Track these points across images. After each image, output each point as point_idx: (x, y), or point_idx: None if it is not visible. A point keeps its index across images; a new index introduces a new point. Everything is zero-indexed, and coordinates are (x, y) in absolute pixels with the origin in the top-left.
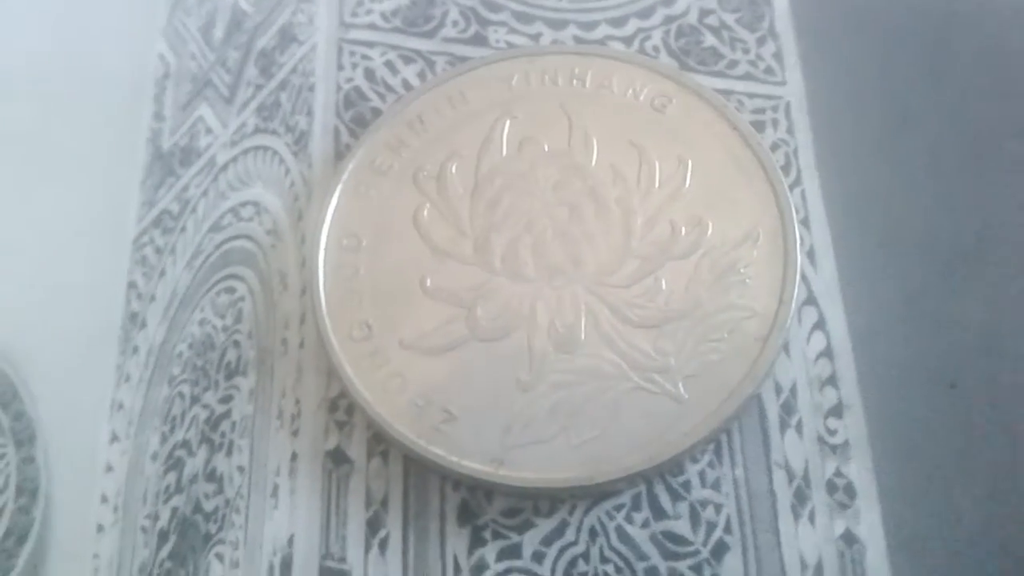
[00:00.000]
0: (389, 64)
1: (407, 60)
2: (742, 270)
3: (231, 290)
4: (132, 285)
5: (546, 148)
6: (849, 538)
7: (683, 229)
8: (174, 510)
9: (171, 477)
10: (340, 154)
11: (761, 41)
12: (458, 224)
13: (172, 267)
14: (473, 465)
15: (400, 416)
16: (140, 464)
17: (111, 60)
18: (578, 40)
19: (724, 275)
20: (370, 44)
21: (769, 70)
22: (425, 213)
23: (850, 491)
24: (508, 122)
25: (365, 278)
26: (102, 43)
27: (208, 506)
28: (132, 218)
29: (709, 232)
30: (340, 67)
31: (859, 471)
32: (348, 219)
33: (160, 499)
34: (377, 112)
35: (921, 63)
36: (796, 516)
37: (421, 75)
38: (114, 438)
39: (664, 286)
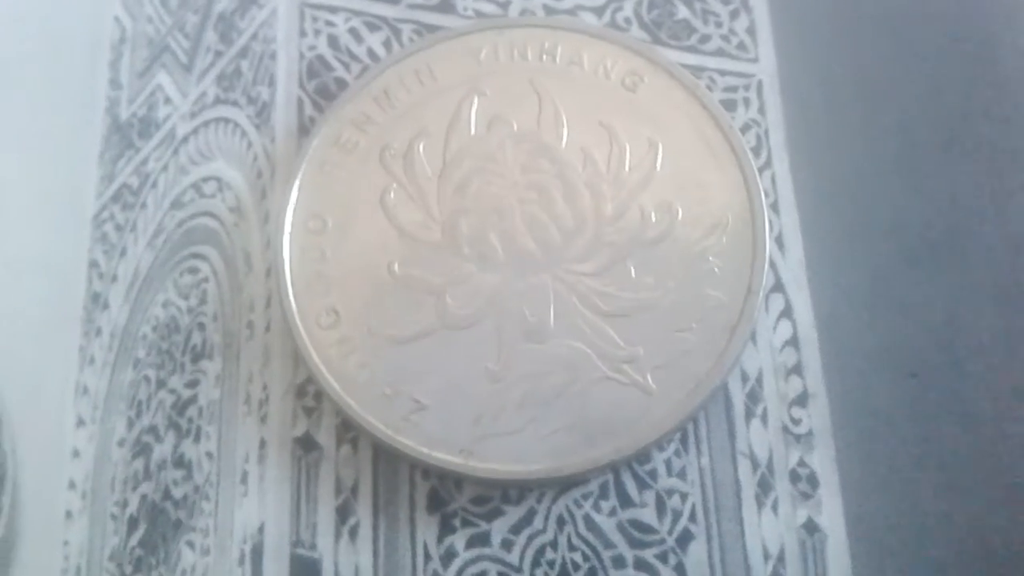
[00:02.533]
0: (353, 31)
1: (372, 27)
2: (711, 258)
3: (195, 270)
4: (93, 264)
5: (515, 127)
6: (811, 527)
7: (653, 215)
8: (143, 497)
9: (139, 463)
10: (304, 128)
11: (734, 14)
12: (426, 207)
13: (133, 245)
14: (442, 456)
15: (369, 406)
16: (107, 450)
17: (64, 23)
18: (548, 10)
19: (693, 263)
20: (333, 9)
21: (742, 46)
22: (392, 195)
23: (813, 480)
24: (476, 99)
25: (332, 262)
26: (54, 4)
27: (177, 493)
28: (91, 193)
29: (679, 218)
30: (302, 33)
31: (822, 460)
32: (313, 199)
33: (129, 486)
34: (341, 83)
35: (895, 44)
36: (760, 505)
37: (386, 43)
38: (80, 423)
39: (633, 274)
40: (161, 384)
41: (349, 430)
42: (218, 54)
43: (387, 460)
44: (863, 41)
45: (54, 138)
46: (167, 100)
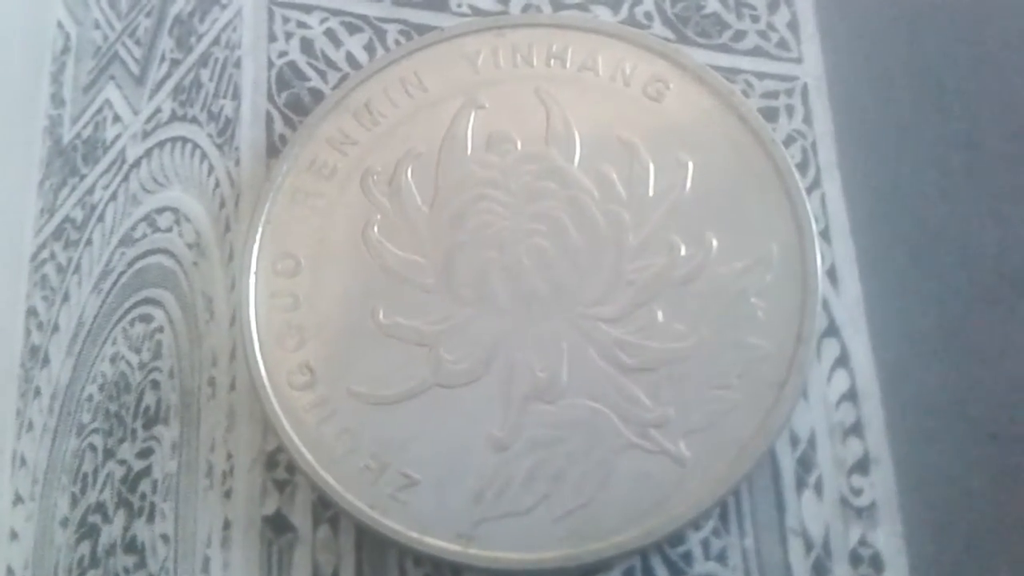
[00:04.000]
0: (330, 33)
1: (352, 28)
2: (753, 300)
3: (147, 318)
4: (31, 312)
5: (519, 146)
6: None
7: (683, 249)
8: None
9: (85, 547)
10: (273, 148)
11: (773, 7)
12: (416, 243)
13: (77, 289)
14: (437, 543)
15: (350, 482)
16: (49, 531)
17: None
18: (556, 4)
19: (732, 306)
20: (307, 8)
21: (782, 43)
22: (376, 228)
23: (877, 563)
24: (474, 113)
25: (305, 309)
26: None
27: None
28: (28, 229)
29: (714, 252)
30: (272, 37)
31: (887, 539)
32: (284, 235)
33: (73, 574)
34: (317, 95)
35: (960, 35)
36: None
37: (369, 47)
38: (17, 499)
39: (661, 319)
40: (109, 454)
41: (328, 508)
42: (174, 63)
43: (372, 545)
44: (924, 37)
45: None
46: (116, 118)
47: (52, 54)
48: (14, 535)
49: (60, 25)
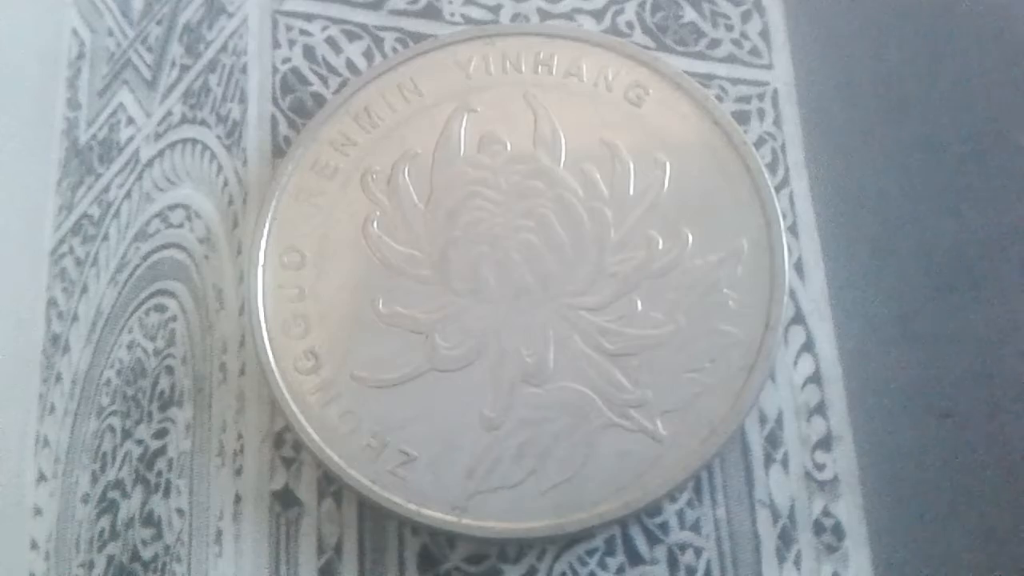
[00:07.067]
0: (331, 41)
1: (351, 36)
2: (725, 290)
3: (162, 308)
4: (52, 303)
5: (509, 147)
6: None
7: (660, 243)
8: (110, 558)
9: (105, 521)
10: (278, 148)
11: (746, 16)
12: (413, 238)
13: (95, 281)
14: (433, 514)
15: (352, 459)
16: (71, 507)
17: (16, 36)
18: (543, 14)
19: (706, 296)
20: (309, 17)
21: (755, 51)
22: (375, 224)
23: (839, 531)
24: (466, 116)
25: (310, 300)
26: (4, 15)
27: (146, 554)
28: (48, 225)
29: (689, 246)
30: (276, 44)
31: (848, 510)
32: (289, 230)
33: (94, 546)
34: (319, 99)
35: (921, 44)
36: (781, 560)
37: (367, 54)
38: (41, 477)
39: (640, 309)
40: (127, 434)
41: (332, 482)
42: (184, 68)
43: (373, 516)
44: (888, 45)
45: (6, 165)
46: (129, 120)
47: (68, 60)
48: (38, 511)
49: (75, 33)
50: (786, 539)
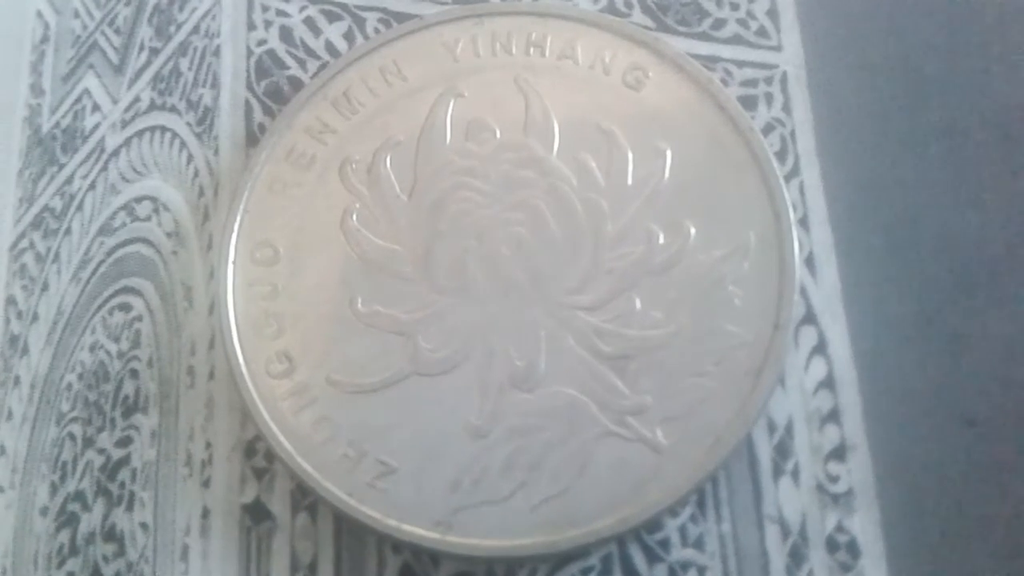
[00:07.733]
0: (309, 21)
1: (331, 16)
2: (731, 287)
3: (126, 307)
4: (10, 301)
5: (498, 134)
6: None
7: (661, 237)
8: (69, 575)
9: (64, 536)
10: (252, 137)
11: None
12: (395, 232)
13: (56, 278)
14: (415, 530)
15: (328, 470)
16: (29, 520)
17: None
18: None
19: (709, 294)
20: None
21: (762, 31)
22: (355, 217)
23: (854, 549)
24: (453, 102)
25: (284, 298)
26: None
27: (108, 571)
28: (7, 219)
29: (691, 240)
30: (251, 26)
31: (864, 525)
32: (262, 224)
33: (53, 562)
34: (296, 83)
35: (941, 23)
36: None
37: (348, 36)
38: None
39: (639, 307)
40: (89, 443)
41: (306, 496)
42: (153, 52)
43: (351, 532)
44: (903, 25)
45: None
46: (95, 107)
47: (31, 43)
48: None
49: (39, 15)
50: (797, 557)
